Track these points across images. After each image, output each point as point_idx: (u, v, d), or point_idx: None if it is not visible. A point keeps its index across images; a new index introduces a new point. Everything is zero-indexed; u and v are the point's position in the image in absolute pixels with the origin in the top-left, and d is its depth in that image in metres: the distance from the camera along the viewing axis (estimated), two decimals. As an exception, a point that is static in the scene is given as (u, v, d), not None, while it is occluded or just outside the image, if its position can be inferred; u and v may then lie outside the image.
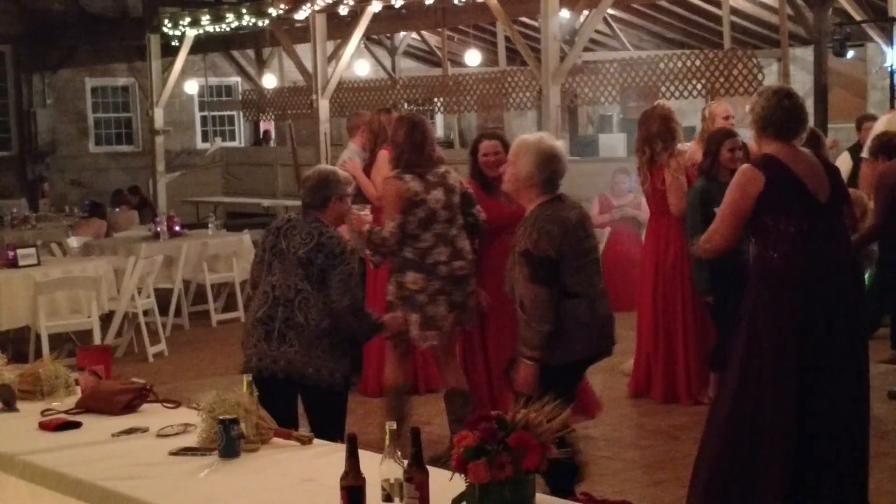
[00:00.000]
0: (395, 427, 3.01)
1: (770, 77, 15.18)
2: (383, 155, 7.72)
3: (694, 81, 12.85)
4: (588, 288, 4.86)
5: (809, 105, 16.18)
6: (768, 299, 4.56)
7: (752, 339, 4.59)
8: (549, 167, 4.86)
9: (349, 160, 7.99)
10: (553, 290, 4.73)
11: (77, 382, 4.58)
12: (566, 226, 4.79)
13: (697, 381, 7.22)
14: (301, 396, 5.05)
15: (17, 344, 9.05)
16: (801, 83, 18.83)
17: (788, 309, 4.49)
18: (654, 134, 7.17)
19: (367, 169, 7.89)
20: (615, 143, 21.35)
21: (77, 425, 4.13)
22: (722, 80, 12.62)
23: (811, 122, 6.52)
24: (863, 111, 13.96)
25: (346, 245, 5.07)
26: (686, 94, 13.12)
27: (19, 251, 9.14)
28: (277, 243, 5.15)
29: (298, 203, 19.39)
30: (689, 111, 23.82)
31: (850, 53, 14.86)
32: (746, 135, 7.15)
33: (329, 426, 4.75)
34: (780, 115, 4.65)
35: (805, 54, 18.34)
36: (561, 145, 5.03)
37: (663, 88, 13.36)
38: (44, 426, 4.13)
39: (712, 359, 6.91)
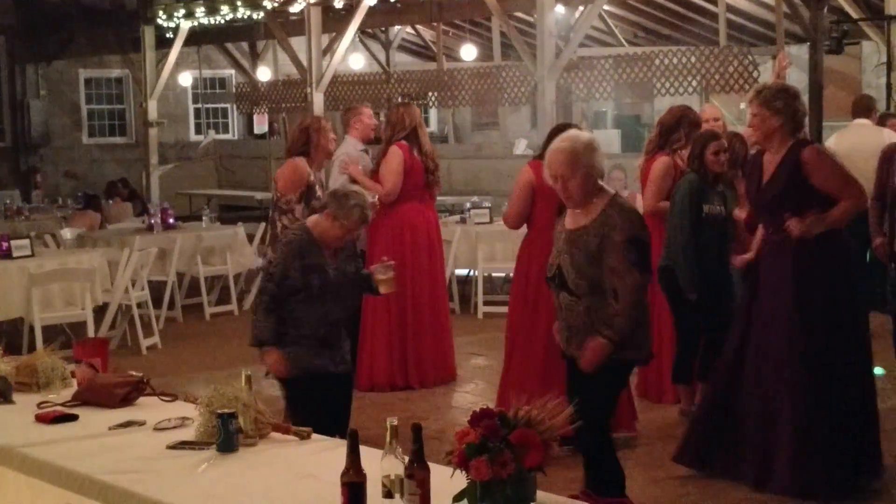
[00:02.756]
0: (395, 423, 3.00)
1: (765, 74, 15.15)
2: (395, 150, 7.71)
3: (689, 78, 12.86)
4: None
5: (805, 103, 16.23)
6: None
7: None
8: (599, 162, 4.76)
9: (349, 161, 7.94)
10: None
11: (73, 375, 4.56)
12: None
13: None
14: None
15: (11, 336, 9.02)
16: (797, 81, 18.80)
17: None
18: (682, 130, 7.13)
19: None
20: (610, 139, 21.39)
21: (74, 418, 4.12)
22: (717, 76, 12.63)
23: (807, 121, 6.57)
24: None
25: (288, 236, 5.23)
26: (681, 90, 13.14)
27: (13, 242, 9.09)
28: None
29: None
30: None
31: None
32: (744, 131, 7.17)
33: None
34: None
35: (800, 52, 18.34)
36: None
37: (658, 85, 13.37)
38: (40, 419, 4.11)
39: (675, 371, 6.89)
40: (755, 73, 12.34)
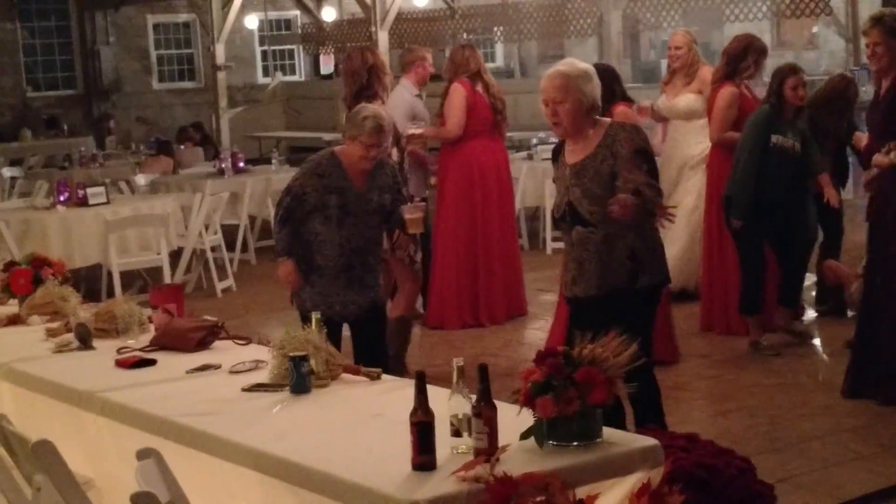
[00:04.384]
0: (462, 364, 3.06)
1: (837, -2, 14.81)
2: (457, 87, 7.72)
3: (759, 3, 12.60)
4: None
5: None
6: None
7: None
8: (598, 88, 4.63)
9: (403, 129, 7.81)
10: None
11: (150, 320, 4.69)
12: None
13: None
14: None
15: (90, 281, 9.24)
16: (870, 3, 18.36)
17: None
18: (749, 59, 7.07)
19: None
20: (678, 68, 21.04)
21: (152, 363, 4.24)
22: (787, 1, 12.36)
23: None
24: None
25: (312, 158, 5.29)
26: (751, 16, 12.88)
27: (89, 190, 9.28)
28: None
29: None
30: (754, 34, 23.36)
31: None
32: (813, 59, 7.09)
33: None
34: None
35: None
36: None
37: (727, 11, 13.13)
38: (120, 364, 4.24)
39: (742, 302, 6.88)
40: (827, -3, 12.07)
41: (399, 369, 6.02)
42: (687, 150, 8.13)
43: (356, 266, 5.21)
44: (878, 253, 5.75)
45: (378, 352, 5.23)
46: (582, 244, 4.57)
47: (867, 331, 5.77)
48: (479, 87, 7.80)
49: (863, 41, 7.17)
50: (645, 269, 4.55)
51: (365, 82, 6.75)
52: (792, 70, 6.72)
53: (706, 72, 7.87)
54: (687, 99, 8.02)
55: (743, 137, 6.71)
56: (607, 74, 6.01)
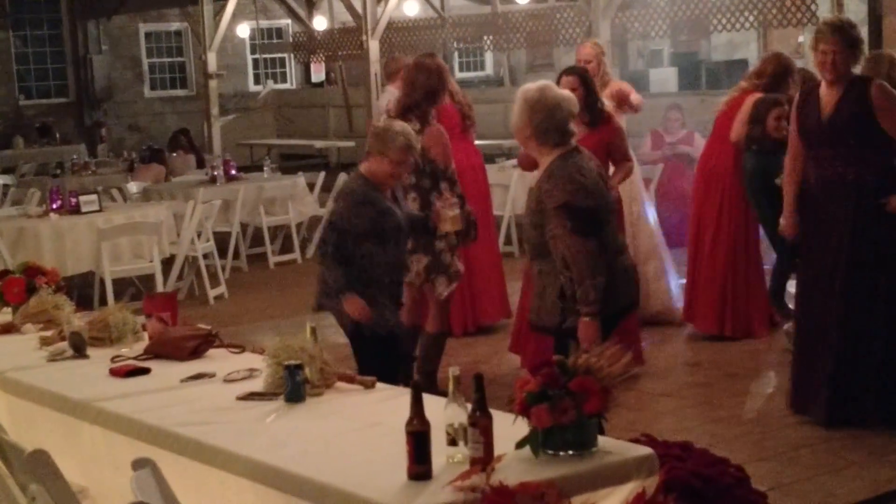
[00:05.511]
0: (458, 373, 3.07)
1: (823, 6, 14.85)
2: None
3: (746, 13, 12.65)
4: (613, 241, 4.61)
5: (864, 34, 15.92)
6: None
7: None
8: (545, 117, 4.47)
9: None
10: (598, 241, 4.45)
11: (144, 328, 4.69)
12: (594, 177, 4.53)
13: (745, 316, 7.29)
14: None
15: (82, 288, 9.23)
16: (855, 13, 18.41)
17: None
18: (789, 79, 7.25)
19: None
20: (666, 77, 21.14)
21: (146, 371, 4.24)
22: (774, 11, 12.42)
23: (866, 51, 6.55)
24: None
25: (347, 187, 5.18)
26: (738, 26, 12.93)
27: (81, 198, 9.29)
28: None
29: (351, 144, 19.55)
30: (741, 43, 23.48)
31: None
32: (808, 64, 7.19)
33: (359, 367, 4.89)
34: None
35: (861, -18, 17.96)
36: (561, 92, 4.64)
37: (714, 21, 13.18)
38: (114, 372, 4.24)
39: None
40: (813, 7, 12.11)
41: (432, 385, 5.91)
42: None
43: (397, 283, 5.23)
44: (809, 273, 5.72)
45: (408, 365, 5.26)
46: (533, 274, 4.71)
47: (807, 351, 5.70)
48: (447, 98, 7.81)
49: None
50: (609, 301, 4.44)
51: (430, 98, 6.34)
52: (776, 102, 6.86)
53: (617, 86, 7.71)
54: None
55: (754, 192, 7.04)
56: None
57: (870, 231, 5.42)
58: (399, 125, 5.18)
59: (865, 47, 5.68)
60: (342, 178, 11.68)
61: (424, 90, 6.27)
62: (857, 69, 6.89)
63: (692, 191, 7.81)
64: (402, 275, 5.33)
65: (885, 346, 5.46)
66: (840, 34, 5.40)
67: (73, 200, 9.21)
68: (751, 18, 12.69)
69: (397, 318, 5.21)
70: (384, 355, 5.02)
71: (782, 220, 5.91)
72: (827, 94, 5.50)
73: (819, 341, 5.57)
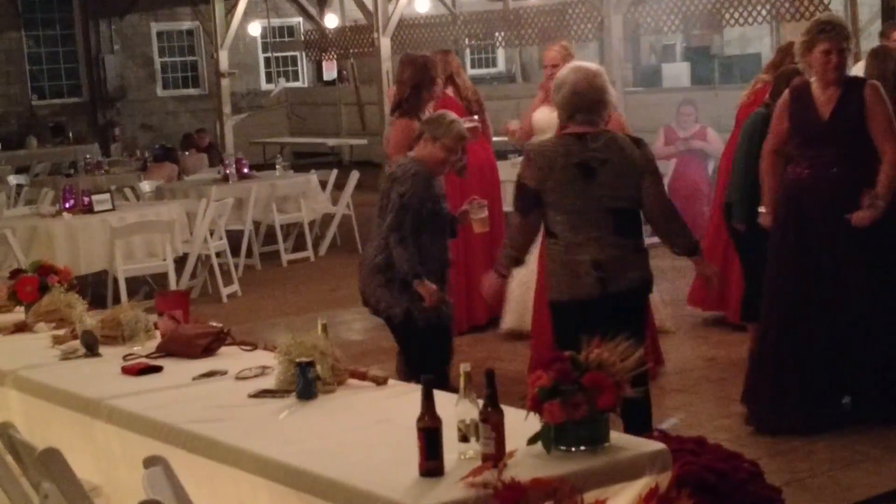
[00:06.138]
0: (469, 369, 3.05)
1: (837, 0, 14.80)
2: None
3: (759, 7, 12.59)
4: (567, 233, 4.55)
5: (877, 28, 15.85)
6: None
7: None
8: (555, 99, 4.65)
9: None
10: (529, 220, 4.61)
11: (156, 327, 4.69)
12: (553, 161, 4.51)
13: None
14: None
15: (96, 287, 9.25)
16: (870, 5, 18.37)
17: None
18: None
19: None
20: (679, 72, 21.05)
21: (158, 369, 4.24)
22: (787, 4, 12.37)
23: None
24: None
25: (409, 168, 5.06)
26: (750, 20, 12.88)
27: (94, 197, 9.32)
28: None
29: (363, 141, 19.56)
30: (753, 38, 23.36)
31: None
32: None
33: (408, 360, 4.85)
34: None
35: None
36: (581, 76, 4.62)
37: (727, 15, 13.13)
38: (127, 371, 4.24)
39: (744, 309, 6.86)
40: (826, 0, 12.05)
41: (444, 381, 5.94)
42: None
43: (444, 276, 5.19)
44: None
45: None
46: None
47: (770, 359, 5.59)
48: (450, 90, 7.80)
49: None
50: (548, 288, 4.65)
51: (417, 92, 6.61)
52: (795, 72, 6.71)
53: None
54: (552, 116, 7.61)
55: (739, 143, 6.67)
56: None
57: (872, 229, 5.33)
58: (452, 115, 5.25)
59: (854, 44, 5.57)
60: (354, 175, 11.72)
61: (411, 85, 6.49)
62: (858, 68, 6.85)
63: (717, 183, 7.71)
64: (447, 268, 5.26)
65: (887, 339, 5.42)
66: (842, 33, 5.30)
67: (86, 200, 9.24)
68: (763, 12, 12.64)
69: (450, 310, 5.21)
70: (439, 347, 5.02)
71: (762, 210, 5.82)
72: (822, 95, 5.37)
73: (819, 340, 5.45)
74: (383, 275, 5.09)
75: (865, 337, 5.43)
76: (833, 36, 5.28)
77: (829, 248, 5.42)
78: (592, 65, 4.80)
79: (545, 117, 7.32)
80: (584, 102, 4.56)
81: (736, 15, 12.84)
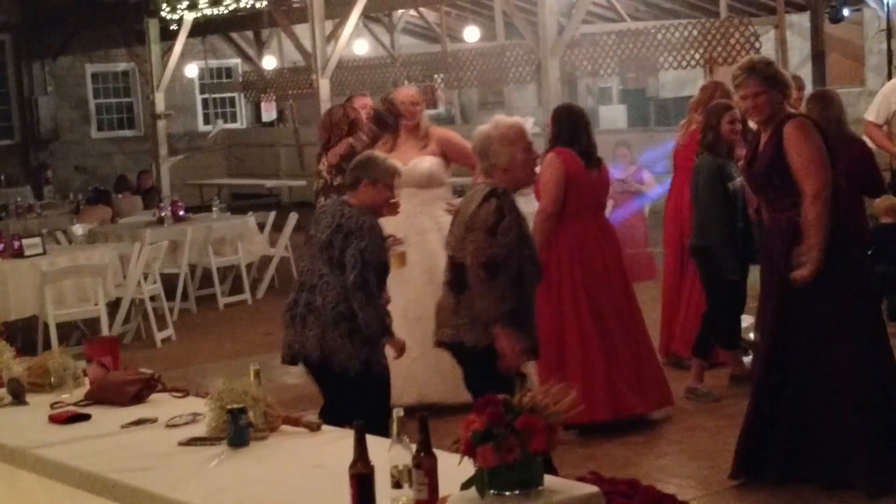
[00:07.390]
0: (402, 413, 3.03)
1: (767, 45, 15.10)
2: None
3: (692, 51, 12.84)
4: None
5: (807, 71, 16.19)
6: None
7: None
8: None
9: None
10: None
11: (85, 373, 4.60)
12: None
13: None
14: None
15: (26, 333, 9.08)
16: (799, 49, 18.78)
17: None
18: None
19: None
20: (615, 114, 21.33)
21: (86, 417, 4.16)
22: (720, 49, 12.62)
23: (809, 88, 6.46)
24: (861, 76, 13.94)
25: (363, 222, 4.90)
26: (684, 63, 13.13)
27: (25, 241, 9.17)
28: (309, 229, 5.13)
29: (302, 183, 19.48)
30: (688, 80, 23.76)
31: (846, 12, 14.79)
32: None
33: (349, 413, 4.75)
34: None
35: (801, 20, 18.27)
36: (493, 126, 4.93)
37: (662, 59, 13.36)
38: (54, 419, 4.16)
39: (698, 346, 6.88)
40: (757, 44, 12.30)
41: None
42: (438, 220, 6.83)
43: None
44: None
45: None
46: None
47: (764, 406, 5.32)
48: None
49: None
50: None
51: (343, 135, 7.47)
52: (726, 107, 6.82)
53: (441, 132, 7.24)
54: (430, 161, 6.97)
55: (703, 193, 6.65)
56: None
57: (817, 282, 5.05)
58: (381, 154, 5.31)
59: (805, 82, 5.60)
60: (293, 217, 11.66)
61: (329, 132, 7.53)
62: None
63: (664, 228, 7.69)
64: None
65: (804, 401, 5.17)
66: (756, 75, 5.14)
67: (17, 244, 9.09)
68: (697, 56, 12.88)
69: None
70: (385, 396, 4.94)
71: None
72: (763, 138, 5.27)
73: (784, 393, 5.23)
74: (348, 324, 4.86)
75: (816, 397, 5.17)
76: (743, 81, 5.16)
77: (787, 295, 5.17)
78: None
79: (431, 166, 6.98)
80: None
81: (670, 59, 13.07)
